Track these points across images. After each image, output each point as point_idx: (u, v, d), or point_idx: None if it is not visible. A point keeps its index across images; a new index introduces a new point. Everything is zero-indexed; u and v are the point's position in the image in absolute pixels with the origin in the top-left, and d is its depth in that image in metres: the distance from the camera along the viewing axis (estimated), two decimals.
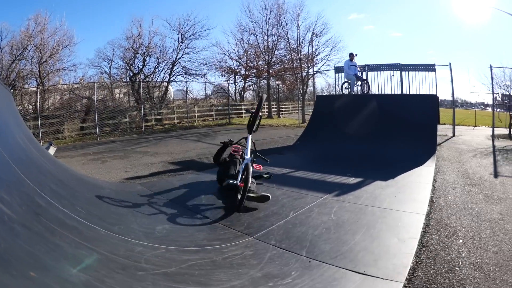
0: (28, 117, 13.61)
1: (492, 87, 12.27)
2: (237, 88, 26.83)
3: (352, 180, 5.93)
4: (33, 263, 1.74)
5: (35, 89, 14.93)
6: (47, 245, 2.13)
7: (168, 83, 22.18)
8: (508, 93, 13.13)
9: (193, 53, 23.35)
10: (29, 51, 16.33)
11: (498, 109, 14.14)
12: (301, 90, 21.08)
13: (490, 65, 12.23)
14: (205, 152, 9.84)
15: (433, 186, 5.55)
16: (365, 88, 12.06)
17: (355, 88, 12.07)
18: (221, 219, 4.20)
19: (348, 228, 3.78)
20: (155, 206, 4.61)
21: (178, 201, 4.85)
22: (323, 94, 20.92)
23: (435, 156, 7.39)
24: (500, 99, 14.02)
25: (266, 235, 3.75)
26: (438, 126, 9.02)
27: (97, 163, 8.40)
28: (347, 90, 12.29)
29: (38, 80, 16.39)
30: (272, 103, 25.49)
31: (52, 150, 8.53)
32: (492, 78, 12.17)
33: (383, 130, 8.80)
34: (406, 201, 4.70)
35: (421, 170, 6.51)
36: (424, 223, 3.92)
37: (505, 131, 11.99)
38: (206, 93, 24.45)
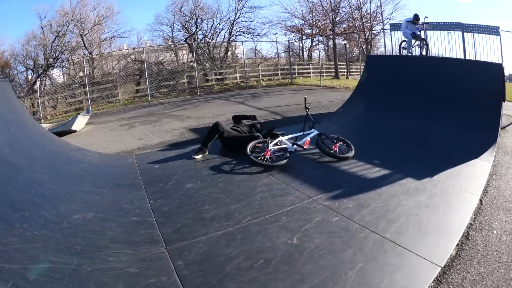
0: (79, 84, 16.02)
1: None
2: (304, 47, 25.45)
3: (374, 172, 4.20)
4: None
5: (83, 59, 17.05)
6: None
7: (229, 43, 22.19)
8: None
9: (250, 12, 23.02)
10: (74, 26, 18.55)
11: None
12: (364, 51, 18.55)
13: None
14: None
15: (480, 201, 3.41)
16: (424, 49, 9.80)
17: (413, 49, 10.12)
18: (160, 213, 3.36)
19: (297, 271, 2.32)
20: (113, 187, 4.06)
21: (146, 182, 4.24)
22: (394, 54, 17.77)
23: (495, 146, 4.90)
24: None
25: (182, 249, 2.67)
26: (505, 104, 6.22)
27: (122, 130, 8.33)
28: (404, 50, 10.38)
29: (87, 51, 18.61)
30: (341, 63, 22.99)
31: (81, 118, 9.14)
32: None
33: (435, 104, 6.33)
34: (427, 228, 2.86)
35: (474, 167, 4.26)
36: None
37: None
38: (277, 52, 23.44)
